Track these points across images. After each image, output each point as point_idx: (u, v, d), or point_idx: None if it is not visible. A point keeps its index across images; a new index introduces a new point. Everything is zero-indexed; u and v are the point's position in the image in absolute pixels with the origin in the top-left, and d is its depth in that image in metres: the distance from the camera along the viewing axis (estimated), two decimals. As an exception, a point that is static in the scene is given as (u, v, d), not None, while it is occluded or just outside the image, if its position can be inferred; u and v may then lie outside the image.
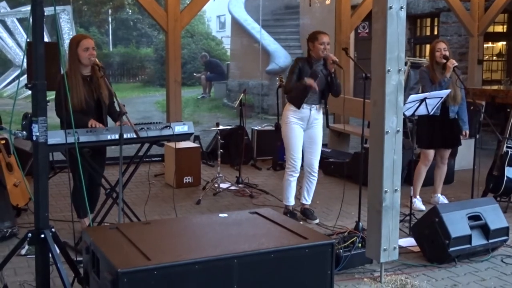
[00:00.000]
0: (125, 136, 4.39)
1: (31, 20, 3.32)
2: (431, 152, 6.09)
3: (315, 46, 5.45)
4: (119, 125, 4.39)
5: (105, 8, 22.57)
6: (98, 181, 4.90)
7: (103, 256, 3.13)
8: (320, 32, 5.50)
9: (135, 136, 4.44)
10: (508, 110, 6.58)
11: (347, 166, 7.40)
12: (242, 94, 7.40)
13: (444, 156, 6.20)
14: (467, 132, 6.13)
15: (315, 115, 5.57)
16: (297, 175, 5.64)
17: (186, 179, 7.04)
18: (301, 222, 5.45)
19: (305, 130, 5.58)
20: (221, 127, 6.98)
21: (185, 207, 6.18)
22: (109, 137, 4.46)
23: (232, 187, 6.89)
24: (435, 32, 14.23)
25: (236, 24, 17.25)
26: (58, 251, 3.53)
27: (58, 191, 6.59)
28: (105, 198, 4.94)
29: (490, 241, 4.71)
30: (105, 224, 4.82)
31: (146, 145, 4.85)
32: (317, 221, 5.64)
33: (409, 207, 5.44)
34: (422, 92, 5.82)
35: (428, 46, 13.46)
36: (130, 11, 23.48)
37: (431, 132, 5.96)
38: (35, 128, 3.37)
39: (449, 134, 6.04)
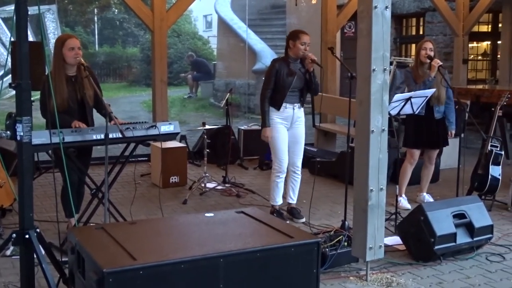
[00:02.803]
0: (110, 136, 4.38)
1: (15, 19, 3.30)
2: (416, 152, 6.13)
3: (295, 45, 5.46)
4: (114, 124, 4.37)
5: (91, 8, 22.45)
6: (82, 180, 4.87)
7: (88, 256, 3.11)
8: (301, 32, 5.51)
9: (120, 136, 4.42)
10: (493, 109, 6.63)
11: (334, 165, 7.43)
12: (229, 94, 7.40)
13: (431, 156, 6.23)
14: (453, 132, 6.17)
15: (298, 113, 5.58)
16: (284, 175, 5.65)
17: (172, 179, 7.03)
18: (288, 221, 5.46)
19: (288, 130, 5.59)
20: (207, 126, 6.97)
21: (172, 207, 6.17)
22: (94, 137, 4.44)
23: (219, 187, 6.89)
24: (421, 32, 14.31)
25: (223, 24, 17.24)
26: (43, 251, 3.51)
27: (43, 191, 6.55)
28: (91, 198, 4.92)
29: (475, 239, 4.75)
30: (91, 224, 4.80)
31: (132, 145, 4.83)
32: (303, 220, 5.65)
33: (394, 206, 5.47)
34: (408, 92, 5.85)
35: (414, 46, 13.54)
36: (116, 10, 23.38)
37: (417, 132, 6.00)
38: (19, 128, 3.35)
39: (435, 135, 6.08)
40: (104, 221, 4.55)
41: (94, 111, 4.90)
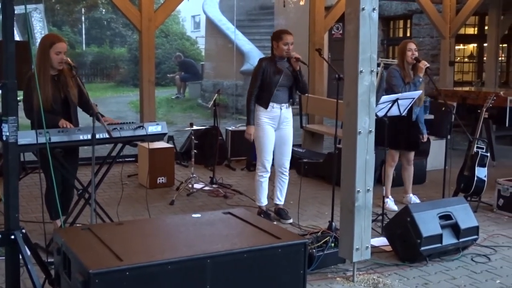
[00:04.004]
0: (97, 136, 4.35)
1: (1, 19, 3.28)
2: (395, 153, 6.15)
3: (278, 46, 5.47)
4: (105, 121, 4.35)
5: (78, 7, 22.37)
6: (71, 182, 4.84)
7: (74, 257, 3.10)
8: (284, 32, 5.53)
9: (108, 136, 4.40)
10: (479, 111, 6.68)
11: (321, 166, 7.45)
12: (216, 95, 7.39)
13: (409, 158, 6.25)
14: (425, 136, 6.22)
15: (286, 114, 5.59)
16: (268, 175, 5.66)
17: (159, 179, 7.01)
18: (275, 222, 5.46)
19: (276, 130, 5.60)
20: (195, 127, 6.96)
21: (159, 207, 6.15)
22: (81, 137, 4.41)
23: (206, 188, 6.88)
24: (408, 34, 14.39)
25: (211, 24, 17.22)
26: (28, 252, 3.49)
27: (29, 192, 6.51)
28: (77, 198, 4.90)
29: (461, 240, 4.78)
30: (77, 225, 4.78)
31: (119, 145, 4.81)
32: (290, 221, 5.66)
33: (381, 207, 5.49)
34: (391, 91, 5.85)
35: (401, 48, 13.58)
36: (104, 10, 23.31)
37: (395, 134, 5.94)
38: (5, 128, 3.33)
39: (411, 137, 6.12)
40: (90, 222, 4.53)
41: (82, 111, 4.87)
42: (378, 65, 8.14)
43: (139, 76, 8.25)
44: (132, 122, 4.73)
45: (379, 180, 6.24)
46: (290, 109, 5.65)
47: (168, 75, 19.75)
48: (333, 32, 15.07)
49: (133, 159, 8.00)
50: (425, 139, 6.27)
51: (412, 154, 6.26)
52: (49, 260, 3.86)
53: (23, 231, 3.48)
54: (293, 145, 6.14)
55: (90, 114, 4.70)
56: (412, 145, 6.18)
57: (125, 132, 4.60)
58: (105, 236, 3.36)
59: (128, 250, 3.16)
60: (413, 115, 6.01)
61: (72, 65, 4.65)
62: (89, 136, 4.35)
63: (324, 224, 5.32)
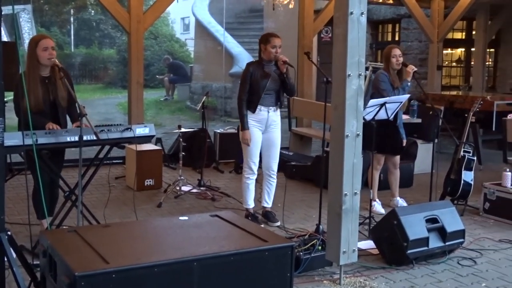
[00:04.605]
0: (85, 138, 4.34)
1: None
2: (381, 157, 6.17)
3: (266, 49, 5.49)
4: (78, 127, 4.33)
5: (67, 8, 22.27)
6: (56, 183, 4.82)
7: (60, 259, 3.08)
8: (272, 35, 5.54)
9: (95, 138, 4.39)
10: (466, 115, 6.72)
11: (309, 169, 7.46)
12: (205, 97, 7.38)
13: (395, 162, 6.28)
14: (405, 141, 6.26)
15: (273, 117, 5.60)
16: (255, 177, 5.67)
17: (147, 181, 6.99)
18: (263, 225, 5.47)
19: (263, 133, 5.61)
20: (183, 129, 6.95)
21: (146, 210, 6.14)
22: (68, 139, 4.40)
23: (194, 190, 6.87)
24: (396, 38, 14.46)
25: (200, 27, 17.21)
26: (14, 255, 3.46)
27: (15, 193, 6.46)
28: (64, 200, 4.87)
29: (447, 243, 4.80)
30: (64, 227, 4.75)
31: (107, 147, 4.80)
32: (278, 223, 5.66)
33: (368, 210, 5.51)
34: (378, 95, 5.87)
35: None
36: (93, 11, 23.23)
37: (380, 137, 5.95)
38: (-9, 129, 3.31)
39: (396, 141, 6.14)
40: (77, 224, 4.50)
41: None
42: (367, 68, 8.18)
43: (128, 77, 8.23)
44: (120, 124, 4.71)
45: (366, 183, 6.26)
46: (278, 112, 5.66)
47: (157, 77, 19.71)
48: (322, 35, 15.11)
49: (121, 161, 7.97)
50: (404, 143, 6.29)
51: (397, 158, 6.29)
52: (34, 262, 3.84)
53: (9, 233, 3.45)
54: (282, 148, 6.16)
55: (76, 116, 4.70)
56: (397, 149, 6.21)
57: (113, 134, 4.59)
58: (92, 239, 3.34)
59: (114, 253, 3.14)
60: (398, 119, 6.05)
61: (59, 66, 4.64)
62: (76, 138, 4.33)
63: (312, 227, 5.33)
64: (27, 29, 16.34)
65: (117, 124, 4.69)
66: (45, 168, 4.48)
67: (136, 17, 7.71)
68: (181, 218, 3.88)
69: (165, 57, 19.66)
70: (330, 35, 14.90)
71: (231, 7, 16.62)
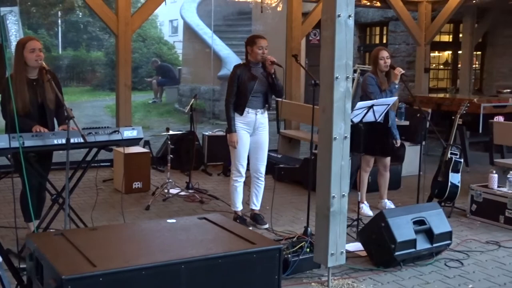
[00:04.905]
0: (72, 140, 4.31)
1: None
2: (370, 159, 6.20)
3: (253, 51, 5.50)
4: (64, 130, 4.31)
5: (55, 10, 22.14)
6: (43, 185, 4.80)
7: (47, 263, 3.06)
8: (258, 37, 5.56)
9: (82, 141, 4.37)
10: (453, 117, 6.76)
11: (297, 171, 7.47)
12: (193, 99, 7.38)
13: (385, 164, 6.31)
14: (398, 141, 6.28)
15: (261, 119, 5.61)
16: (243, 179, 5.68)
17: (135, 184, 6.97)
18: (251, 228, 5.46)
19: (251, 135, 5.61)
20: (171, 132, 6.94)
21: (134, 212, 6.11)
22: (55, 142, 4.37)
23: (182, 193, 6.86)
24: (384, 41, 14.53)
25: (188, 29, 17.19)
26: (0, 258, 3.44)
27: (2, 196, 6.42)
28: (51, 203, 4.84)
29: (434, 245, 4.83)
30: (51, 230, 4.72)
31: (94, 150, 4.78)
32: (266, 226, 5.66)
33: (356, 212, 5.53)
34: (367, 98, 5.89)
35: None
36: (80, 13, 23.11)
37: (370, 139, 5.94)
38: (-23, 131, 3.28)
39: (387, 142, 6.17)
40: (64, 227, 4.48)
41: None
42: (355, 71, 8.21)
43: (116, 80, 8.20)
44: (108, 127, 4.70)
45: (354, 185, 6.28)
46: (265, 114, 5.66)
47: (145, 79, 19.65)
48: (310, 38, 15.16)
49: (109, 163, 7.94)
50: (398, 144, 6.33)
51: (388, 160, 6.31)
52: (21, 266, 3.81)
53: (-5, 236, 3.43)
54: (270, 150, 6.16)
55: (63, 119, 4.68)
56: (388, 151, 6.23)
57: (100, 137, 4.57)
58: (79, 242, 3.33)
59: (102, 256, 3.13)
60: (391, 120, 6.07)
61: (46, 68, 4.62)
62: (64, 141, 4.31)
63: (300, 229, 5.34)
64: (14, 31, 16.21)
65: (105, 127, 4.68)
66: (32, 171, 4.45)
67: (124, 19, 7.69)
68: (169, 220, 3.87)
69: (153, 59, 19.61)
70: (318, 38, 14.95)
71: (219, 9, 16.60)
